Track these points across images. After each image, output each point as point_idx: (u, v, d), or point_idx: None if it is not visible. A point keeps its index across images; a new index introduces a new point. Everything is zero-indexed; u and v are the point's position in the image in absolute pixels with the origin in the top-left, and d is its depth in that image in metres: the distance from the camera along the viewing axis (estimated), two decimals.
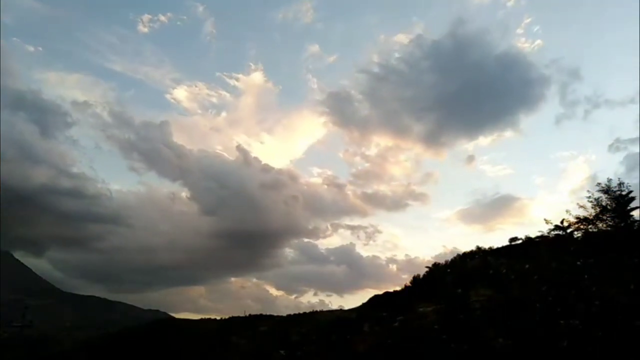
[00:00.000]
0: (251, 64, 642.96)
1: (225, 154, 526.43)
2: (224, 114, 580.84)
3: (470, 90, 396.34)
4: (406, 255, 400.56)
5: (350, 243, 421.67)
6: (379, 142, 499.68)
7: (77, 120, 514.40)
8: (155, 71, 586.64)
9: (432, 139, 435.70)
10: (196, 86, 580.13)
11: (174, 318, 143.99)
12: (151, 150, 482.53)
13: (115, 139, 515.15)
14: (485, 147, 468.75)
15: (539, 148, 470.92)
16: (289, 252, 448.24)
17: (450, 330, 13.93)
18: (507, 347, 9.70)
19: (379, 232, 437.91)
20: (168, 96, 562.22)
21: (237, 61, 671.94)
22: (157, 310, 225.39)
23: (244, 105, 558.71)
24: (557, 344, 8.11)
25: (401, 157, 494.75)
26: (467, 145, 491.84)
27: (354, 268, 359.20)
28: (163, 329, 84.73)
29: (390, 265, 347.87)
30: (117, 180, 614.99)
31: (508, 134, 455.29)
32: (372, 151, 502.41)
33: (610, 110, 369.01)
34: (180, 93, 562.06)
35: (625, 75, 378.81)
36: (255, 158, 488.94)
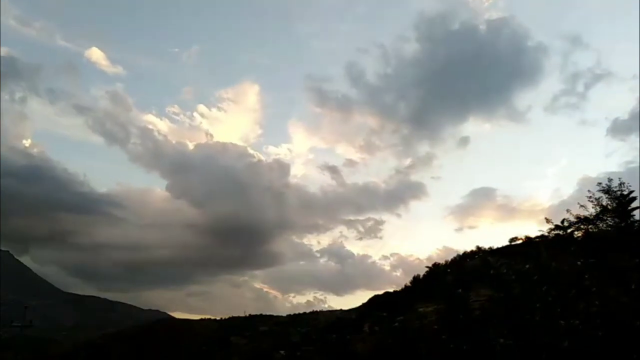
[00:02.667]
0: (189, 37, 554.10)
1: (193, 138, 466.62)
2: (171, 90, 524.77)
3: (458, 62, 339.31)
4: (392, 253, 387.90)
5: (341, 242, 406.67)
6: (364, 122, 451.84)
7: None
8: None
9: (419, 120, 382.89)
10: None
11: (173, 318, 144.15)
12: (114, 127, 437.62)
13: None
14: (475, 130, 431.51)
15: (534, 132, 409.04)
16: (282, 249, 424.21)
17: (450, 330, 13.93)
18: (507, 347, 9.70)
19: (376, 227, 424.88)
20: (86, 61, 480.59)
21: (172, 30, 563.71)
22: (157, 310, 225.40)
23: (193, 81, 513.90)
24: (557, 343, 8.10)
25: (390, 141, 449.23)
26: (458, 128, 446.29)
27: (348, 267, 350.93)
28: (163, 329, 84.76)
29: (385, 264, 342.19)
30: (78, 160, 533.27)
31: (501, 112, 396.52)
32: (357, 135, 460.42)
33: (610, 86, 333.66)
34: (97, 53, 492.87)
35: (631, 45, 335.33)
36: (232, 144, 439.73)
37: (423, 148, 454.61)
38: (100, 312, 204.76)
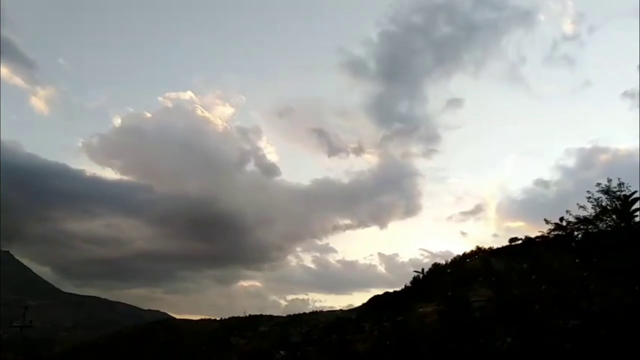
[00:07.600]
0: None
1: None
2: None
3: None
4: (377, 253, 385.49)
5: (332, 241, 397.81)
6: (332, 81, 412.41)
7: None
8: None
9: (393, 76, 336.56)
10: None
11: (174, 318, 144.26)
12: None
13: None
14: (465, 89, 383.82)
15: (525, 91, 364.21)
16: (274, 247, 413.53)
17: (450, 331, 13.89)
18: (508, 348, 9.66)
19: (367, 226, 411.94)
20: None
21: None
22: (157, 311, 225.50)
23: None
24: (558, 344, 8.07)
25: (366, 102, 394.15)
26: (444, 86, 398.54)
27: (342, 265, 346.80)
28: (163, 329, 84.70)
29: (377, 262, 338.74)
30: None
31: (493, 66, 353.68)
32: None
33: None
34: None
35: None
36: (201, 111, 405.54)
37: (401, 109, 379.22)
38: (100, 312, 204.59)
